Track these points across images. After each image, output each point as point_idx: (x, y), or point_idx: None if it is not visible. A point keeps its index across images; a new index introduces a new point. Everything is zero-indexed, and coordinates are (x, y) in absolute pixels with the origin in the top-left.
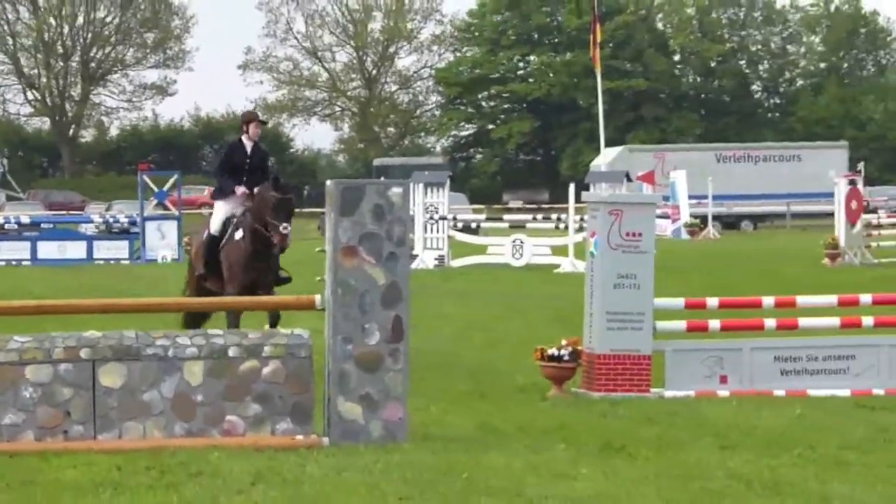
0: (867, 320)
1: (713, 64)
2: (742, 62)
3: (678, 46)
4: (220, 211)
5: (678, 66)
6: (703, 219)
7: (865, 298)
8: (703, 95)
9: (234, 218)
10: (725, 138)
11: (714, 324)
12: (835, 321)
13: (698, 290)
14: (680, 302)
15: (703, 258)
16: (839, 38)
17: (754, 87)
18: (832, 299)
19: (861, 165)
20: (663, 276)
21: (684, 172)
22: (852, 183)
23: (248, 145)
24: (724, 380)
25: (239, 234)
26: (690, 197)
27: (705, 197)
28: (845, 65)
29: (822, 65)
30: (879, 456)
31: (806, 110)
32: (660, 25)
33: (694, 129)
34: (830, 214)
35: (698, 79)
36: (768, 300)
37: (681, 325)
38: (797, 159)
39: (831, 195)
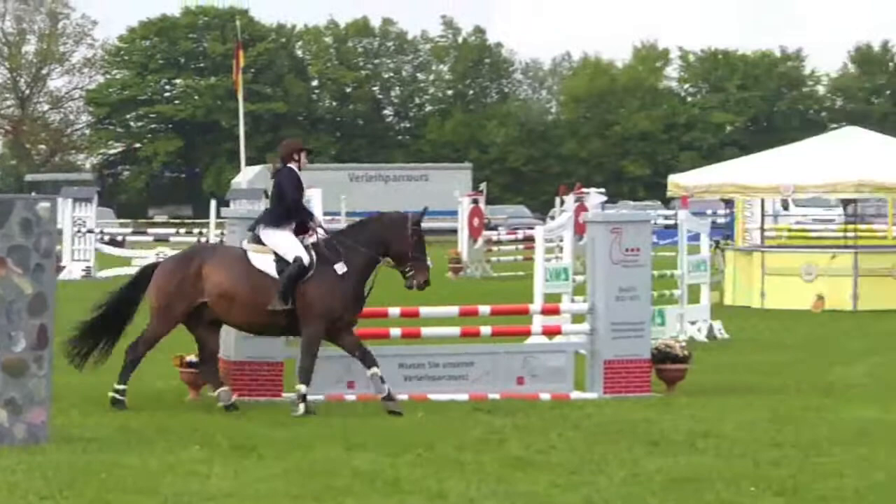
0: (485, 330)
1: (348, 89)
2: (375, 88)
3: (316, 73)
4: (293, 239)
5: (316, 91)
6: None
7: (484, 309)
8: (338, 119)
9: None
10: (358, 159)
11: None
12: (455, 330)
13: None
14: None
15: None
16: (466, 68)
17: (386, 112)
18: (454, 310)
19: (483, 185)
20: None
21: (320, 191)
22: (475, 202)
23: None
24: (351, 385)
25: (342, 268)
26: (325, 214)
27: (339, 214)
28: (471, 92)
29: (450, 92)
30: (493, 455)
31: (434, 134)
32: (299, 52)
33: (329, 150)
34: (455, 230)
35: (334, 103)
36: (393, 310)
37: None
38: (425, 179)
39: (456, 213)
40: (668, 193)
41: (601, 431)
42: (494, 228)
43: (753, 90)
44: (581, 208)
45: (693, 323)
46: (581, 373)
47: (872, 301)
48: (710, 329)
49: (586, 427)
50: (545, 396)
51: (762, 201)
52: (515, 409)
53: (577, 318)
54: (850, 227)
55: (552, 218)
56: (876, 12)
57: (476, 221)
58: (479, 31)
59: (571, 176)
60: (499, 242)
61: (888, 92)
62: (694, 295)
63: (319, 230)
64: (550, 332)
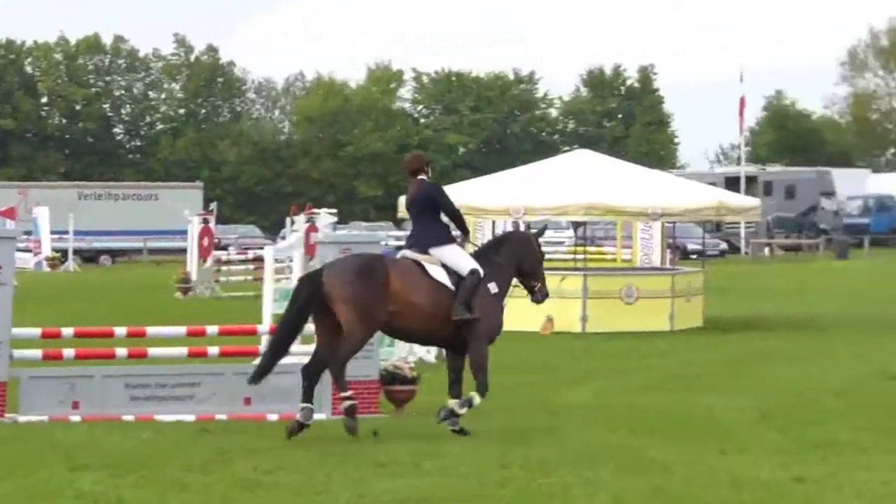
0: (213, 350)
1: (78, 107)
2: (106, 105)
3: (46, 89)
4: (462, 251)
5: (45, 108)
6: (65, 252)
7: (212, 329)
8: (68, 136)
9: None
10: (88, 177)
11: (69, 352)
12: (183, 350)
13: (57, 320)
14: (37, 331)
15: (63, 290)
16: (198, 86)
17: (117, 130)
18: (181, 330)
19: (214, 205)
20: (25, 306)
21: (47, 209)
22: (205, 221)
23: None
24: (76, 405)
25: (494, 288)
26: (53, 232)
27: (67, 232)
28: (203, 111)
29: (182, 110)
30: (219, 476)
31: (166, 152)
32: (29, 69)
33: (58, 168)
34: (185, 250)
35: (64, 120)
36: (120, 330)
37: (37, 353)
38: (155, 198)
39: (185, 232)
40: (400, 215)
41: (329, 452)
42: (225, 248)
43: (487, 112)
44: (311, 229)
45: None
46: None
47: (601, 323)
48: (440, 350)
49: (314, 448)
50: (273, 417)
51: (493, 223)
52: (243, 430)
53: (306, 338)
54: (580, 249)
55: (283, 238)
56: (608, 37)
57: (206, 241)
58: (211, 49)
59: (303, 196)
60: (228, 262)
61: (620, 115)
62: None
63: (468, 245)
64: None
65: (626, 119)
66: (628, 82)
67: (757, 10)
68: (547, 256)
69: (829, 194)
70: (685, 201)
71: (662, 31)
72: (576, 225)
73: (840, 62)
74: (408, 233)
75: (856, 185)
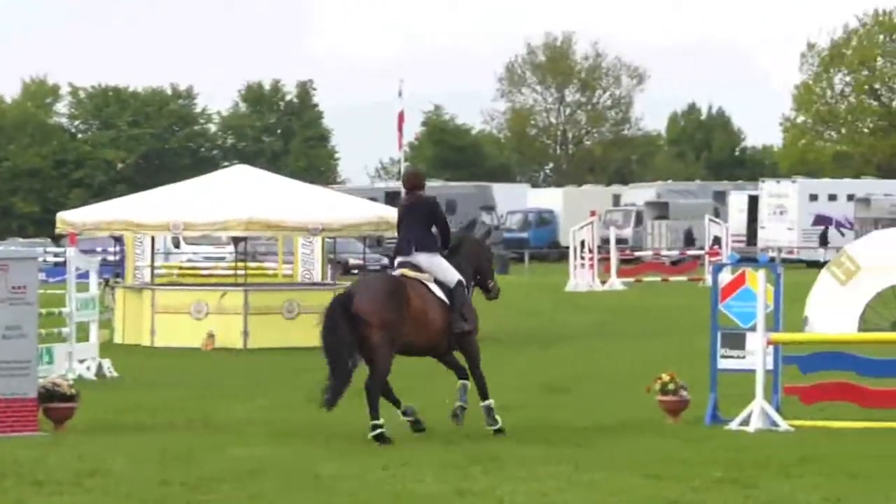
0: None
1: None
2: None
3: None
4: (446, 262)
5: None
6: None
7: None
8: None
9: None
10: None
11: None
12: None
13: None
14: None
15: None
16: None
17: None
18: None
19: None
20: None
21: None
22: None
23: None
24: None
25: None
26: None
27: None
28: None
29: None
30: None
31: None
32: None
33: None
34: None
35: None
36: None
37: None
38: None
39: None
40: (57, 230)
41: None
42: None
43: (145, 127)
44: None
45: (82, 361)
46: None
47: (262, 339)
48: (100, 367)
49: None
50: None
51: (153, 238)
52: None
53: None
54: (241, 264)
55: None
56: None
57: None
58: None
59: None
60: None
61: (279, 131)
62: (83, 333)
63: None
64: None
65: (285, 135)
66: (287, 97)
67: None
68: (208, 272)
69: (490, 209)
70: (345, 216)
71: (321, 52)
72: (236, 241)
73: (498, 77)
74: (397, 241)
75: (516, 200)
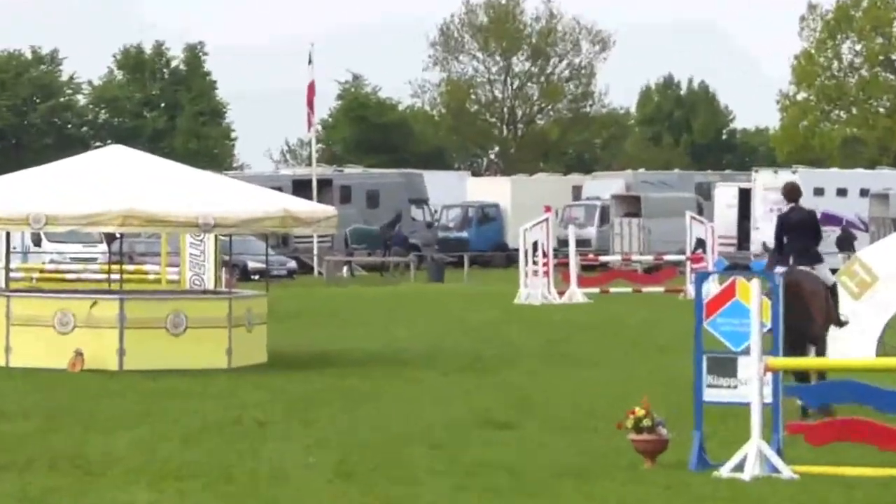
0: None
1: None
2: None
3: None
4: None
5: None
6: None
7: None
8: None
9: None
10: None
11: None
12: None
13: None
14: None
15: None
16: None
17: None
18: None
19: None
20: None
21: None
22: None
23: None
24: None
25: None
26: None
27: None
28: None
29: None
30: None
31: None
32: None
33: None
34: None
35: None
36: None
37: None
38: None
39: None
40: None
41: None
42: None
43: (2, 99)
44: None
45: None
46: None
47: (143, 359)
48: None
49: None
50: None
51: (7, 235)
52: None
53: None
54: (116, 267)
55: None
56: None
57: None
58: None
59: None
60: None
61: (163, 104)
62: None
63: None
64: None
65: (170, 109)
66: (173, 64)
67: None
68: (76, 276)
69: (421, 202)
70: (244, 210)
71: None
72: (110, 238)
73: (430, 41)
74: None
75: (453, 192)
